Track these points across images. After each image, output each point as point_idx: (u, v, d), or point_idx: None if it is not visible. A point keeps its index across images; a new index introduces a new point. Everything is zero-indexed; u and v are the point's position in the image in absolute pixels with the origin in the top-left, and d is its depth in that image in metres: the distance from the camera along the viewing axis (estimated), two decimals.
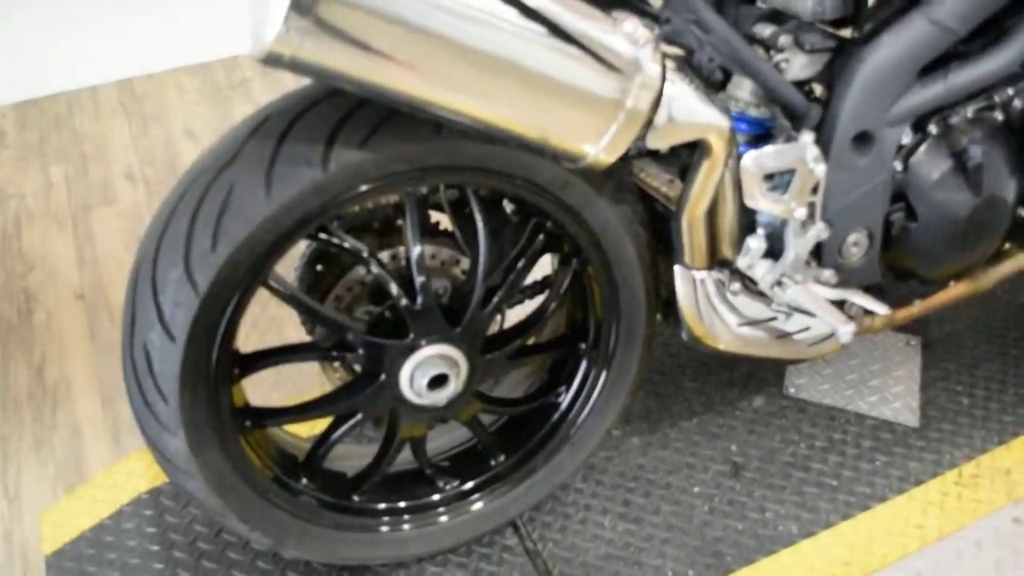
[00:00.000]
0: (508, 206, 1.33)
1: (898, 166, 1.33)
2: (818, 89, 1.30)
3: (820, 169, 1.23)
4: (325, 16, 0.88)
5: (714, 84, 1.33)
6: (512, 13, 0.95)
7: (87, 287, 2.10)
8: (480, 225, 1.23)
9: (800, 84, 1.28)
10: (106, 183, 2.44)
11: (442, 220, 1.37)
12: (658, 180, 1.35)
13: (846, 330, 1.25)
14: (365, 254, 1.21)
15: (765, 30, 1.28)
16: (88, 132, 2.66)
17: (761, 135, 1.32)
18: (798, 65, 1.25)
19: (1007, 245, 1.54)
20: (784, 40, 1.25)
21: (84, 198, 2.39)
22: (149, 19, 3.07)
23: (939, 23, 1.22)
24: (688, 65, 1.25)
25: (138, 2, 3.13)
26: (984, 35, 1.29)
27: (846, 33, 1.24)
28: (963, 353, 1.85)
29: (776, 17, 1.30)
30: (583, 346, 1.41)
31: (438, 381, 1.26)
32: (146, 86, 2.85)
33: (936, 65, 1.27)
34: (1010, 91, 1.37)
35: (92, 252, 2.21)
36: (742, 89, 1.30)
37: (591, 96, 1.01)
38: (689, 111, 1.10)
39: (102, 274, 2.14)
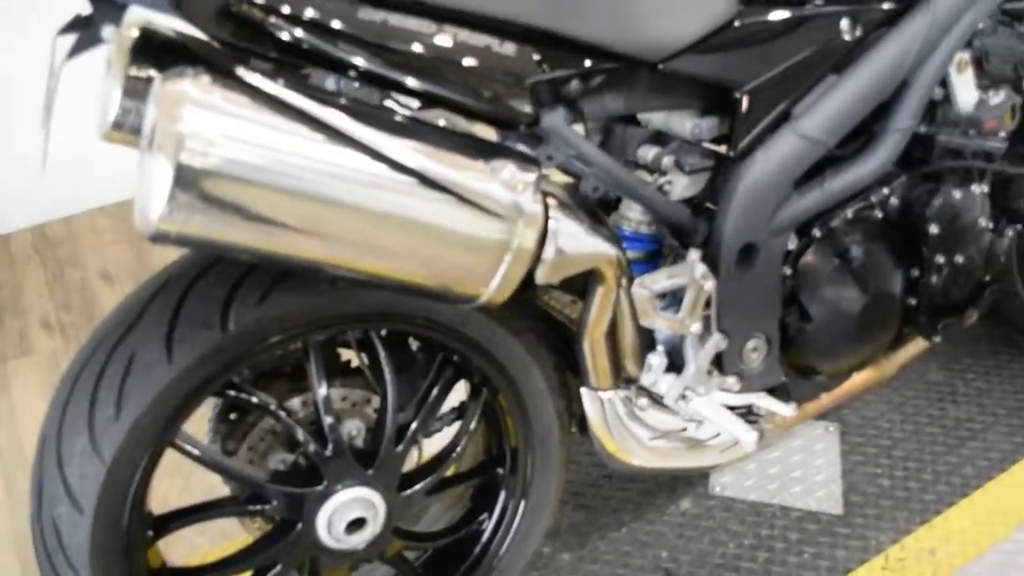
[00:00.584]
0: (414, 343, 1.35)
1: (787, 271, 1.38)
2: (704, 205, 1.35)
3: (710, 284, 1.28)
4: (209, 190, 0.90)
5: (606, 206, 1.38)
6: (392, 171, 0.98)
7: (3, 442, 2.06)
8: (386, 365, 1.25)
9: (687, 202, 1.34)
10: (22, 333, 2.42)
11: (353, 358, 1.38)
12: (561, 303, 1.38)
13: (749, 439, 1.28)
14: (273, 406, 1.22)
15: (649, 152, 1.34)
16: (2, 281, 2.63)
17: (655, 251, 1.37)
18: (681, 186, 1.31)
19: (906, 331, 1.60)
20: (666, 162, 1.31)
21: (0, 351, 2.36)
22: (61, 162, 3.08)
23: (808, 137, 1.29)
24: (577, 193, 1.30)
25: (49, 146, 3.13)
26: (856, 139, 1.36)
27: (724, 152, 1.30)
28: (880, 435, 1.90)
29: (659, 138, 1.37)
30: (501, 472, 1.42)
31: (356, 525, 1.26)
32: (60, 230, 2.85)
33: (813, 174, 1.34)
34: (885, 190, 1.44)
35: (8, 406, 2.17)
36: (632, 210, 1.35)
37: (477, 241, 1.04)
38: (576, 244, 1.14)
39: (19, 428, 2.10)
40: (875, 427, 1.91)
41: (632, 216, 1.36)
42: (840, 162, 1.36)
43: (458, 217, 1.03)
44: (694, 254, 1.27)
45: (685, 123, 1.31)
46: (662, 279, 1.25)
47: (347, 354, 1.39)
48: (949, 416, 1.94)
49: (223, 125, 0.89)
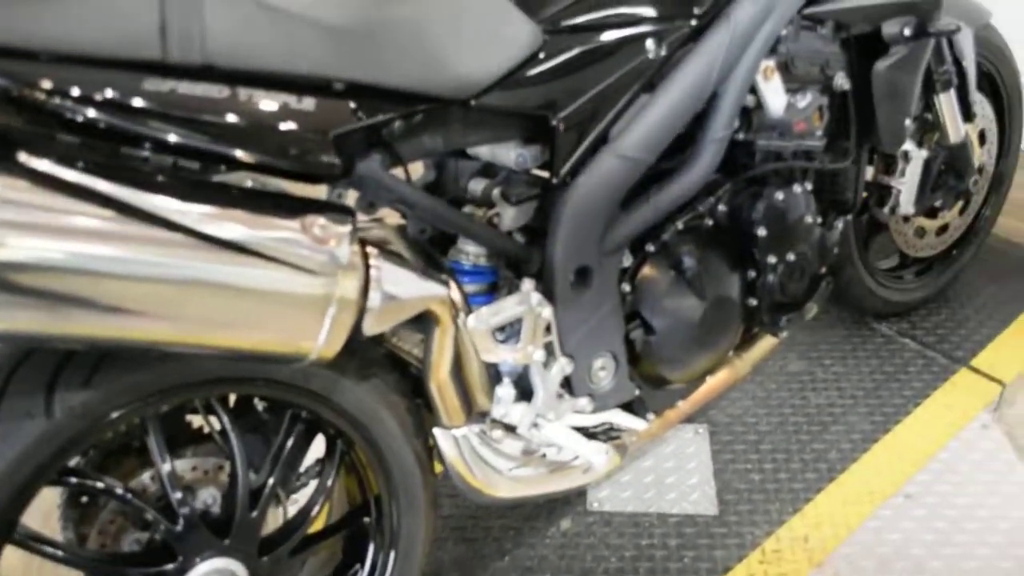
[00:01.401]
0: (259, 403, 1.33)
1: (626, 287, 1.41)
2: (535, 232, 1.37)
3: (547, 312, 1.29)
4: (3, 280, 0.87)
5: (445, 241, 1.39)
6: (195, 240, 0.96)
7: None
8: (231, 430, 1.22)
9: (520, 231, 1.35)
10: None
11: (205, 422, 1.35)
12: (409, 343, 1.38)
13: (601, 460, 1.30)
14: (118, 488, 1.18)
15: (479, 185, 1.35)
16: None
17: (496, 283, 1.38)
18: (510, 217, 1.32)
19: (754, 330, 1.65)
20: (495, 194, 1.32)
21: None
22: None
23: (627, 157, 1.31)
24: (406, 234, 1.30)
25: None
26: (680, 150, 1.40)
27: (548, 178, 1.31)
28: (748, 431, 1.95)
29: (488, 170, 1.38)
30: (368, 522, 1.41)
31: None
32: None
33: (638, 191, 1.37)
34: (712, 199, 1.48)
35: None
36: (469, 244, 1.36)
37: (296, 300, 1.03)
38: (402, 289, 1.14)
39: None
40: (742, 423, 1.96)
41: (469, 250, 1.37)
42: (663, 177, 1.39)
43: (273, 278, 1.01)
44: (528, 284, 1.29)
45: (509, 153, 1.32)
46: (497, 312, 1.26)
47: (200, 419, 1.36)
48: (811, 404, 2.00)
49: (6, 215, 0.86)
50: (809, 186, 1.58)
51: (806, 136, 1.47)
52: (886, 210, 1.94)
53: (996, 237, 2.55)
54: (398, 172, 1.23)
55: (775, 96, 1.45)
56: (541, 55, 1.24)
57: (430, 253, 1.33)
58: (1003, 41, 2.10)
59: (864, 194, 1.97)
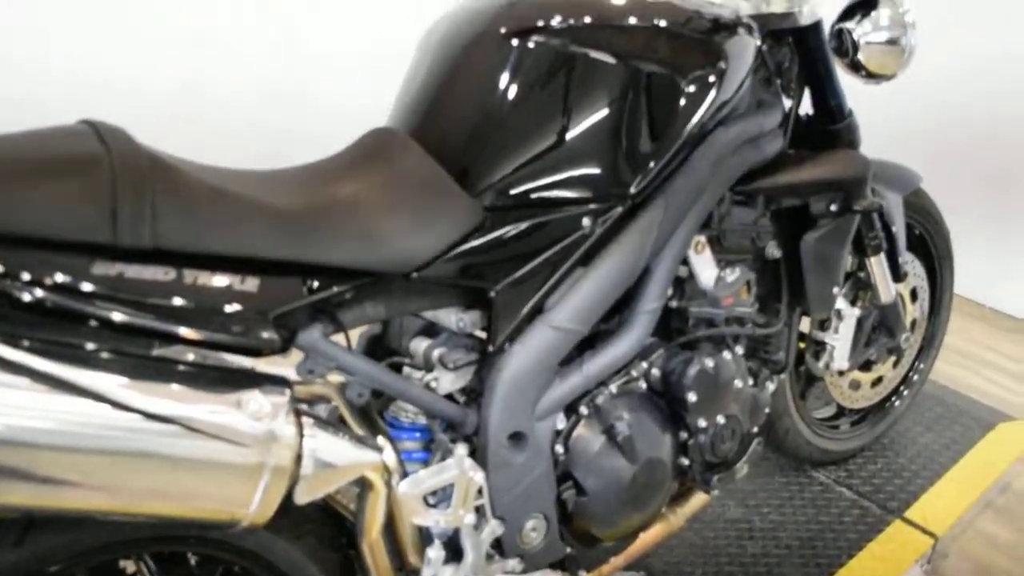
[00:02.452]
0: (192, 558, 1.34)
1: (559, 449, 1.45)
2: (472, 396, 1.42)
3: (479, 476, 1.33)
4: None
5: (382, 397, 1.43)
6: (129, 415, 1.00)
7: None
8: None
9: (458, 393, 1.40)
10: None
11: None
12: (346, 496, 1.41)
13: None
14: None
15: (420, 345, 1.40)
16: None
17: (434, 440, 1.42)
18: (447, 381, 1.37)
19: (689, 485, 1.69)
20: (434, 357, 1.37)
21: None
22: None
23: (561, 328, 1.37)
24: (343, 396, 1.34)
25: None
26: (616, 316, 1.46)
27: (486, 345, 1.37)
28: None
29: (431, 330, 1.43)
30: None
31: None
32: None
33: (572, 357, 1.43)
34: (645, 364, 1.54)
35: None
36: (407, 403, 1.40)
37: (230, 470, 1.06)
38: (336, 457, 1.17)
39: None
40: (679, 572, 1.98)
41: (409, 408, 1.41)
42: (596, 345, 1.45)
43: (208, 450, 1.05)
44: (461, 449, 1.33)
45: (450, 317, 1.38)
46: (430, 478, 1.30)
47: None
48: (747, 553, 2.03)
49: None
50: (740, 350, 1.64)
51: (736, 304, 1.55)
52: (820, 364, 2.01)
53: (933, 383, 2.63)
54: (339, 338, 1.28)
55: (706, 269, 1.52)
56: (480, 230, 1.31)
57: (368, 414, 1.37)
58: (933, 205, 2.21)
59: (801, 345, 2.05)
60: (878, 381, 2.26)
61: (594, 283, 1.40)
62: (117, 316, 1.01)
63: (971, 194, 3.07)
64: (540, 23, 1.39)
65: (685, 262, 1.52)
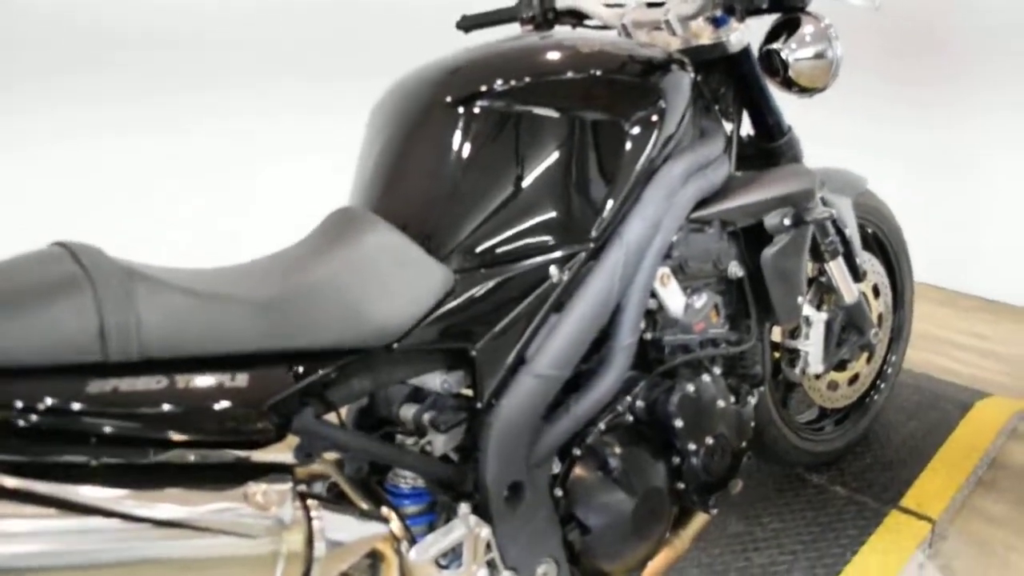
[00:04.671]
0: None
1: (558, 492, 1.49)
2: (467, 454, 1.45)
3: (485, 531, 1.37)
4: None
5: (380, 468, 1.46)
6: (143, 526, 1.03)
7: None
8: None
9: (454, 452, 1.44)
10: None
11: None
12: (359, 569, 1.43)
13: None
14: None
15: (409, 411, 1.44)
16: None
17: (435, 502, 1.45)
18: (441, 443, 1.41)
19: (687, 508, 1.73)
20: (425, 420, 1.41)
21: None
22: None
23: (543, 376, 1.42)
24: (343, 472, 1.38)
25: None
26: (595, 356, 1.51)
27: (474, 403, 1.41)
28: None
29: (418, 394, 1.47)
30: None
31: None
32: None
33: (558, 402, 1.47)
34: (628, 398, 1.58)
35: None
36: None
37: (243, 563, 1.09)
38: (345, 535, 1.21)
39: None
40: None
41: (407, 474, 1.44)
42: (580, 386, 1.49)
43: (221, 547, 1.08)
44: (464, 508, 1.36)
45: (435, 380, 1.42)
46: (438, 540, 1.33)
47: None
48: (754, 564, 2.07)
49: None
50: (718, 371, 1.70)
51: (710, 327, 1.60)
52: (797, 371, 2.07)
53: (909, 372, 2.70)
54: (331, 417, 1.32)
55: (674, 299, 1.58)
56: (453, 293, 1.35)
57: (369, 485, 1.40)
58: (881, 203, 2.29)
59: (776, 355, 2.11)
60: (855, 379, 2.32)
61: (569, 328, 1.44)
62: (114, 430, 1.05)
63: (925, 176, 3.17)
64: (483, 88, 1.45)
65: (653, 295, 1.57)
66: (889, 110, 3.21)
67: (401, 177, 1.45)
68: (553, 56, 1.52)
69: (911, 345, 2.56)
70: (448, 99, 1.44)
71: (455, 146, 1.42)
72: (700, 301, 1.60)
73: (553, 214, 1.44)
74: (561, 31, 1.88)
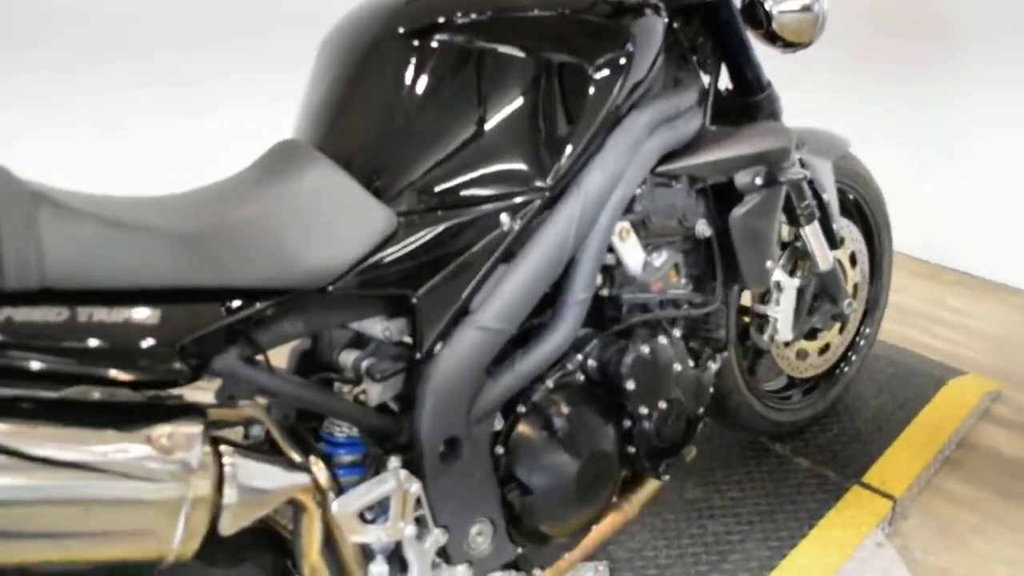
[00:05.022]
0: None
1: (500, 450, 1.43)
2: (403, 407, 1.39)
3: (415, 487, 1.31)
4: None
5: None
6: (42, 465, 0.97)
7: None
8: None
9: (389, 404, 1.37)
10: None
11: None
12: (284, 516, 1.37)
13: None
14: None
15: (349, 357, 1.38)
16: None
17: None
18: (376, 393, 1.34)
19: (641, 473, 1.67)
20: (362, 368, 1.34)
21: None
22: None
23: (488, 328, 1.35)
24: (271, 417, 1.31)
25: None
26: (546, 311, 1.44)
27: (414, 352, 1.34)
28: (648, 565, 1.96)
29: (360, 340, 1.40)
30: None
31: None
32: None
33: (504, 356, 1.41)
34: (580, 356, 1.52)
35: None
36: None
37: (146, 506, 1.04)
38: (260, 482, 1.15)
39: None
40: (642, 557, 1.97)
41: (343, 422, 1.38)
42: (528, 341, 1.43)
43: (123, 490, 1.02)
44: (394, 461, 1.30)
45: (376, 326, 1.35)
46: (364, 494, 1.27)
47: None
48: (709, 532, 2.02)
49: None
50: (678, 333, 1.63)
51: (669, 287, 1.53)
52: (765, 338, 2.00)
53: (884, 345, 2.64)
54: (259, 359, 1.25)
55: (632, 255, 1.50)
56: (395, 237, 1.28)
57: (298, 433, 1.33)
58: (863, 167, 2.21)
59: (746, 320, 2.04)
60: (825, 348, 2.25)
61: (518, 280, 1.37)
62: (8, 362, 0.98)
63: (912, 149, 3.09)
64: (440, 20, 1.36)
65: (611, 250, 1.50)
66: (876, 86, 3.12)
67: (348, 113, 1.37)
68: None
69: (888, 317, 2.50)
70: (401, 31, 1.36)
71: (405, 82, 1.34)
72: (660, 259, 1.53)
73: (507, 159, 1.37)
74: None
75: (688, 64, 1.72)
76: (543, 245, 1.39)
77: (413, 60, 1.35)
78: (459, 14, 1.36)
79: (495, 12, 1.38)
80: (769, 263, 1.74)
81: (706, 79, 1.76)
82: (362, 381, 1.36)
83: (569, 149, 1.40)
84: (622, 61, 1.44)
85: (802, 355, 2.21)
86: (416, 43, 1.35)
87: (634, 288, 1.52)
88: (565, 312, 1.44)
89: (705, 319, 1.76)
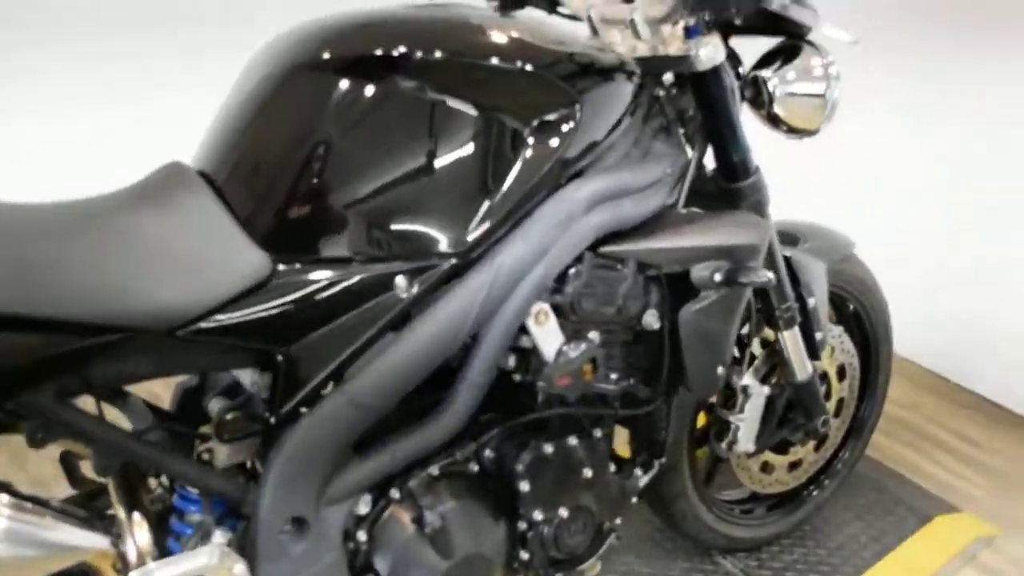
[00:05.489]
0: None
1: (362, 536, 1.27)
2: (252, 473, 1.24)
3: (239, 568, 1.15)
4: None
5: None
6: None
7: None
8: None
9: (236, 468, 1.23)
10: None
11: None
12: None
13: None
14: None
15: (216, 405, 1.24)
16: None
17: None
18: (223, 453, 1.20)
19: None
20: (214, 423, 1.20)
21: None
22: None
23: (359, 403, 1.20)
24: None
25: None
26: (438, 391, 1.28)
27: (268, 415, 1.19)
28: None
29: (236, 389, 1.27)
30: None
31: None
32: None
33: (378, 434, 1.25)
34: (474, 444, 1.35)
35: None
36: None
37: None
38: (39, 540, 1.01)
39: None
40: None
41: None
42: (409, 421, 1.27)
43: None
44: (219, 535, 1.15)
45: (247, 377, 1.21)
46: (166, 567, 1.12)
47: None
48: None
49: None
50: (600, 433, 1.46)
51: (576, 384, 1.36)
52: (723, 445, 1.81)
53: (871, 463, 2.42)
54: (88, 399, 1.11)
55: (548, 341, 1.34)
56: (268, 285, 1.14)
57: (132, 484, 1.19)
58: (868, 273, 2.01)
59: (707, 420, 1.86)
60: (796, 465, 2.05)
61: (404, 353, 1.22)
62: None
63: (947, 255, 2.86)
64: (369, 52, 1.22)
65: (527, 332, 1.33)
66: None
67: (243, 142, 1.24)
68: (463, 32, 1.28)
69: (886, 431, 2.29)
70: (322, 59, 1.22)
71: (311, 116, 1.20)
72: (576, 350, 1.35)
73: (412, 216, 1.22)
74: (522, 14, 1.63)
75: (671, 136, 1.55)
76: (440, 318, 1.23)
77: (326, 94, 1.20)
78: (381, 50, 1.22)
79: (426, 52, 1.23)
80: (721, 369, 1.55)
81: (691, 154, 1.59)
82: (207, 441, 1.22)
83: (487, 215, 1.24)
84: (565, 127, 1.28)
85: (767, 468, 2.01)
86: (334, 76, 1.21)
87: (552, 377, 1.35)
88: (457, 395, 1.28)
89: (646, 419, 1.58)
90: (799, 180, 2.55)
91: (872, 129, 2.78)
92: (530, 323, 1.31)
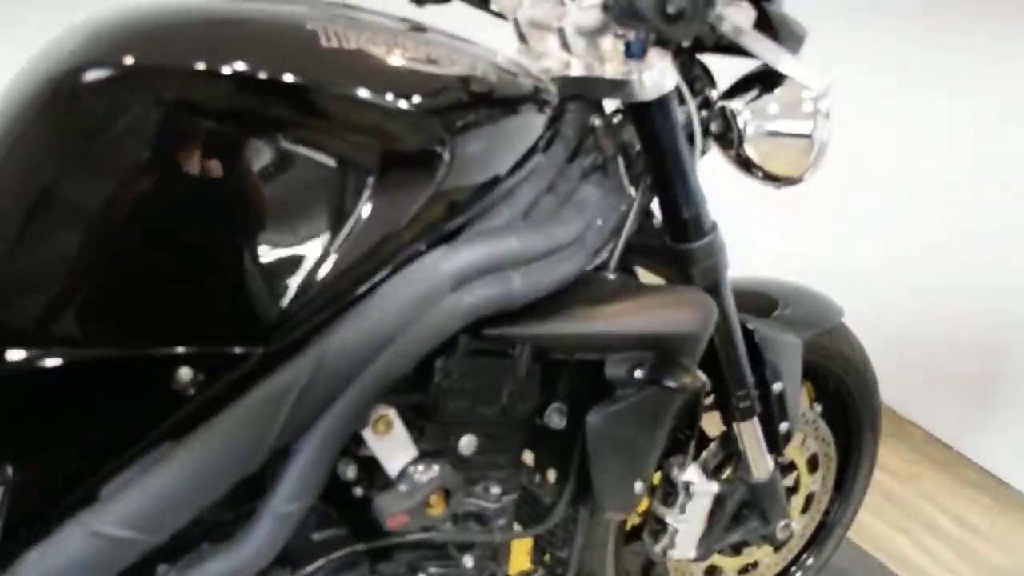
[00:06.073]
0: None
1: None
2: None
3: None
4: None
5: None
6: None
7: None
8: None
9: None
10: None
11: None
12: None
13: None
14: None
15: None
16: None
17: None
18: None
19: None
20: None
21: None
22: None
23: (108, 536, 0.88)
24: None
25: None
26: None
27: None
28: None
29: None
30: None
31: None
32: None
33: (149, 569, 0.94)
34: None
35: None
36: None
37: None
38: None
39: None
40: None
41: None
42: (202, 551, 0.96)
43: None
44: None
45: None
46: None
47: None
48: None
49: None
50: (471, 561, 1.14)
51: (415, 520, 1.04)
52: (657, 549, 1.48)
53: (851, 548, 2.09)
54: None
55: (392, 456, 1.01)
56: None
57: None
58: (856, 346, 1.67)
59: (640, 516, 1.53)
60: (750, 568, 1.72)
61: (182, 471, 0.90)
62: None
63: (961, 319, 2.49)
64: (133, 68, 0.88)
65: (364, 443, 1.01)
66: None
67: None
68: (290, 42, 0.94)
69: (873, 509, 1.96)
70: (86, 79, 0.88)
71: (59, 153, 0.88)
72: (429, 473, 1.02)
73: (202, 289, 0.90)
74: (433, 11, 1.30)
75: (608, 177, 1.22)
76: (234, 424, 0.91)
77: (92, 121, 0.87)
78: (187, 62, 0.89)
79: (245, 67, 0.89)
80: (639, 485, 1.22)
81: (635, 199, 1.25)
82: None
83: (306, 289, 0.91)
84: (424, 175, 0.95)
85: (714, 573, 1.68)
86: (105, 99, 0.88)
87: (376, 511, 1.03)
88: (260, 524, 0.96)
89: (548, 534, 1.26)
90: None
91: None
92: (367, 433, 0.99)
